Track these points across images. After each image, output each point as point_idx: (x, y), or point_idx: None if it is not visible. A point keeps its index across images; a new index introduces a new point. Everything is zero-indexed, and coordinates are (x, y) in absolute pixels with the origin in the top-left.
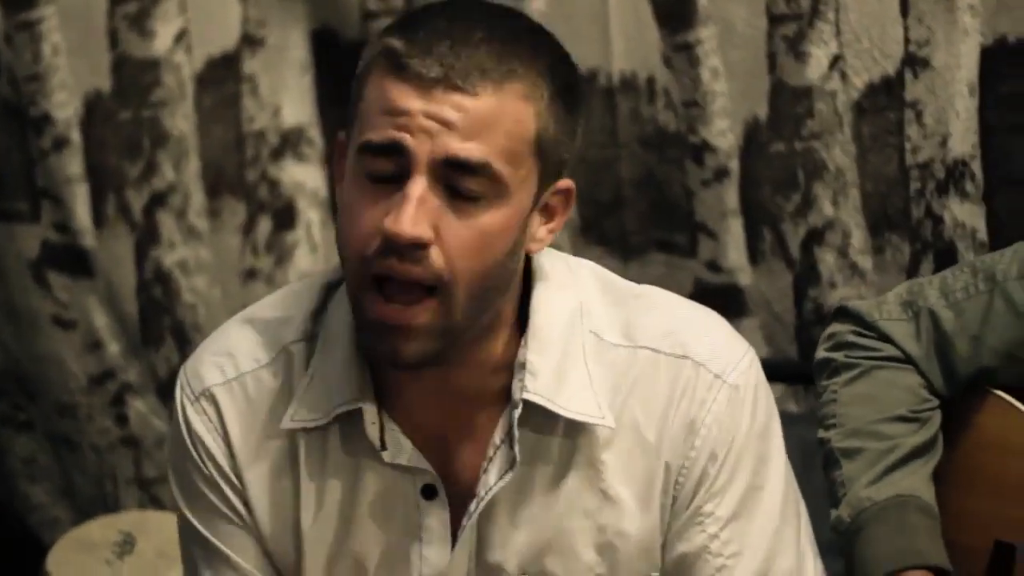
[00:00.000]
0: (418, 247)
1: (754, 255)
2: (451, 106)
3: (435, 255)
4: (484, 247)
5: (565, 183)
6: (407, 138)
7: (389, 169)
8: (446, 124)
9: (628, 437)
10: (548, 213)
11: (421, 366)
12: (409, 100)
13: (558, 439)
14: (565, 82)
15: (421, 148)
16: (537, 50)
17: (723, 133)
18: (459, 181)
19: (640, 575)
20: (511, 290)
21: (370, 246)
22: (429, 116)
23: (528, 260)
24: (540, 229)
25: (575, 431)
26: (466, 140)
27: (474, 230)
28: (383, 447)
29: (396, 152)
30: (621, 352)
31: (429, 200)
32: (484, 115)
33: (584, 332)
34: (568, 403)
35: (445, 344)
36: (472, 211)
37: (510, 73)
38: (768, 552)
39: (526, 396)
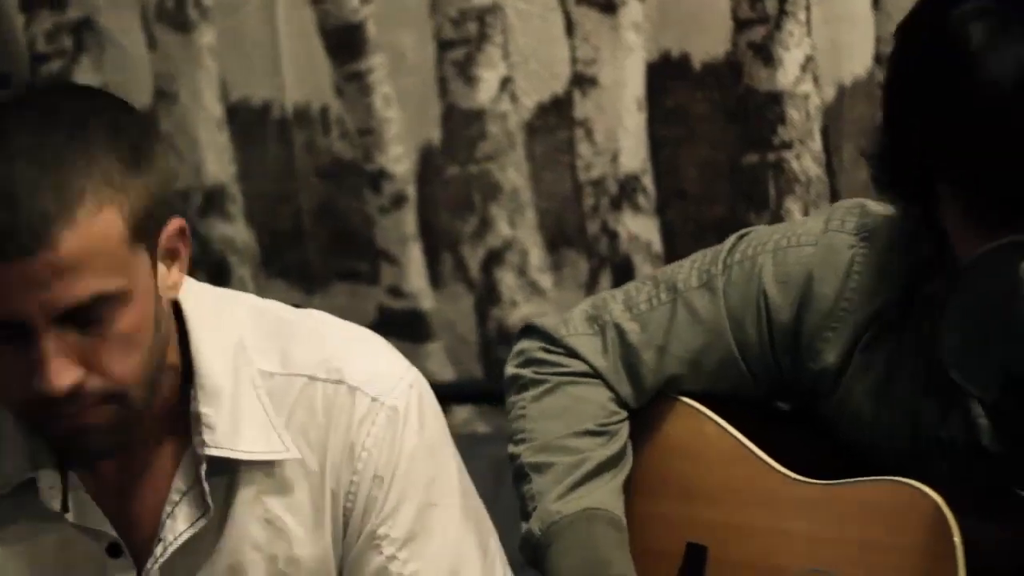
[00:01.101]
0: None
1: (435, 279)
2: (40, 267)
3: (93, 383)
4: (132, 344)
5: (175, 225)
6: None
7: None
8: (43, 284)
9: (291, 466)
10: (172, 256)
11: (112, 455)
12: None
13: (226, 477)
14: (129, 151)
15: (32, 310)
16: (88, 145)
17: (399, 159)
18: (81, 321)
19: None
20: (170, 342)
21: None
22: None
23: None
24: (171, 275)
25: (242, 467)
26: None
27: (116, 340)
28: (65, 509)
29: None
30: (279, 381)
31: (63, 346)
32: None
33: (250, 368)
34: (251, 446)
35: (130, 432)
36: (105, 327)
37: (75, 200)
38: (451, 568)
39: (208, 452)
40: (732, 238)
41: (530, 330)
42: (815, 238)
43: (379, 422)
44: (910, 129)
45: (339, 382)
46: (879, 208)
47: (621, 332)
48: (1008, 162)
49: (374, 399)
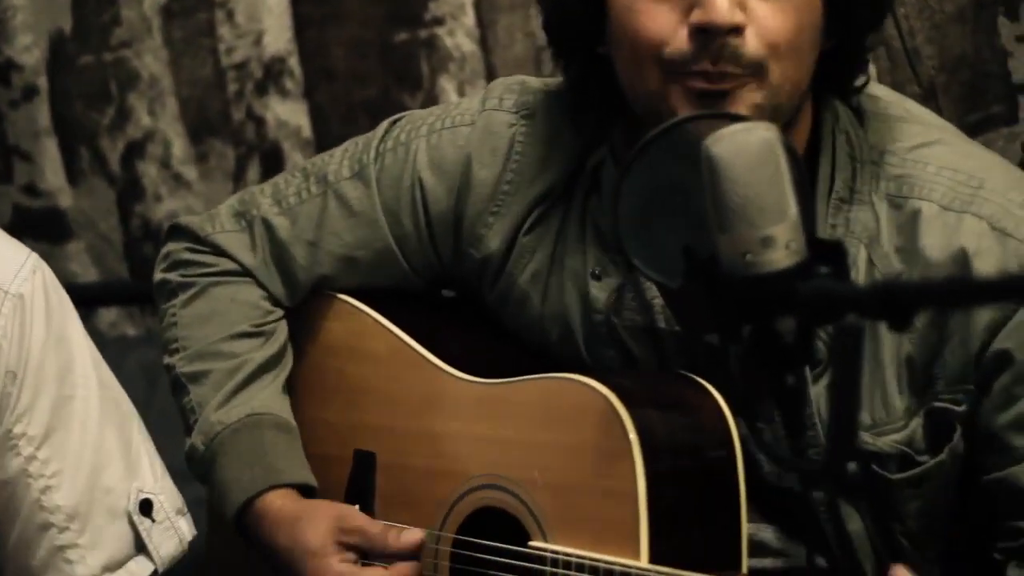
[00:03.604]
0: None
1: (73, 175)
2: None
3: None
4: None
5: None
6: None
7: None
8: None
9: None
10: None
11: None
12: None
13: None
14: None
15: None
16: None
17: (28, 49)
18: None
19: None
20: None
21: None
22: None
23: None
24: None
25: None
26: None
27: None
28: None
29: None
30: None
31: None
32: None
33: None
34: None
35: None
36: None
37: None
38: (93, 462)
39: None
40: (385, 124)
41: (176, 230)
42: (471, 118)
43: (5, 312)
44: None
45: None
46: (540, 84)
47: (270, 227)
48: None
49: None
